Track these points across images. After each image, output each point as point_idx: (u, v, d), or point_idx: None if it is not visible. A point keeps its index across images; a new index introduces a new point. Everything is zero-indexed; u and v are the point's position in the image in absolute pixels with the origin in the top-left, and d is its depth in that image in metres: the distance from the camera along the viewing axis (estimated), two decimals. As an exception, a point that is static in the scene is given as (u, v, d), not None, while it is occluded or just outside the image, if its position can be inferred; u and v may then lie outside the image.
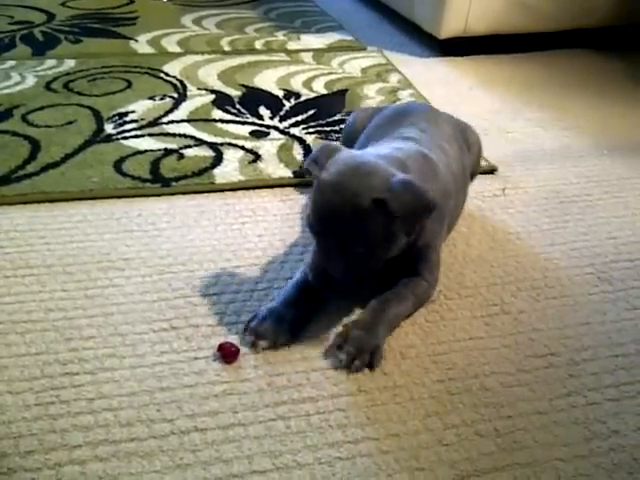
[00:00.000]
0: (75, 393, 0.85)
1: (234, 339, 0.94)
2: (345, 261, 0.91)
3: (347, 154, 0.95)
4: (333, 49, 2.21)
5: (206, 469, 0.75)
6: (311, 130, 1.59)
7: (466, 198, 1.21)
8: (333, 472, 0.75)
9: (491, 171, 1.44)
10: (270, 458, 0.77)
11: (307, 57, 2.11)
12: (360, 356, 0.89)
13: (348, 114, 1.68)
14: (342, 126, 1.60)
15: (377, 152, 0.99)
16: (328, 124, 1.63)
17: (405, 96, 1.81)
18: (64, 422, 0.80)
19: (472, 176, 1.28)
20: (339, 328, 0.95)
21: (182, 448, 0.78)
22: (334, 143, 1.02)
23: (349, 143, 1.26)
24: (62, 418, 0.81)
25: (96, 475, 0.74)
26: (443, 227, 1.06)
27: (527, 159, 1.52)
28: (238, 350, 0.90)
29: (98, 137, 1.51)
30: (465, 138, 1.22)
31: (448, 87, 1.94)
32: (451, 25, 2.10)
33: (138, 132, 1.54)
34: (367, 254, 0.91)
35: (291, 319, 0.94)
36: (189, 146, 1.48)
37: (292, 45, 2.22)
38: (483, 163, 1.44)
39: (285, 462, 0.76)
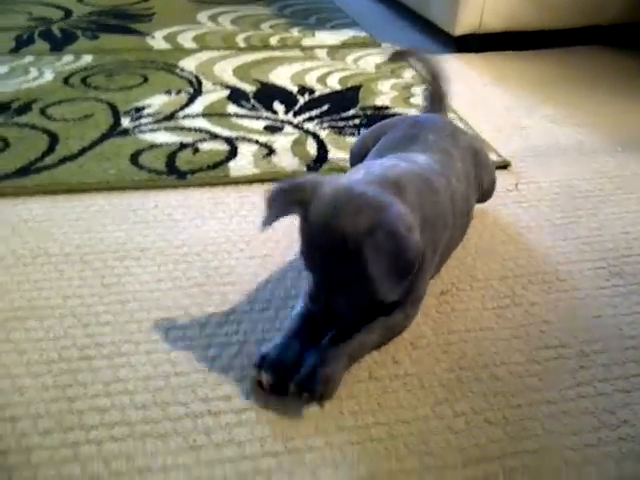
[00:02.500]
0: (92, 376, 0.87)
1: (243, 327, 0.95)
2: (344, 298, 0.86)
3: (330, 188, 0.85)
4: (347, 46, 2.22)
5: (219, 451, 0.77)
6: (325, 125, 1.60)
7: (467, 227, 1.15)
8: (344, 456, 0.77)
9: (504, 166, 1.45)
10: (282, 441, 0.78)
11: (321, 53, 2.12)
12: (311, 388, 0.82)
13: (362, 109, 1.69)
14: (356, 122, 1.62)
15: (369, 175, 0.90)
16: (342, 119, 1.64)
17: (419, 92, 1.82)
18: (81, 404, 0.82)
19: (482, 199, 1.23)
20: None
21: (196, 430, 0.79)
22: (309, 178, 0.90)
23: (360, 153, 1.20)
24: (79, 400, 0.83)
25: (112, 454, 0.76)
26: (434, 257, 0.98)
27: (540, 155, 1.52)
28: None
29: (115, 131, 1.53)
30: (477, 162, 1.15)
31: (462, 83, 1.94)
32: (466, 22, 2.10)
33: (154, 126, 1.56)
34: (363, 292, 0.84)
35: (297, 350, 0.87)
36: (204, 140, 1.50)
37: (307, 41, 2.23)
38: (496, 158, 1.45)
39: (297, 445, 0.78)
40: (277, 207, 0.87)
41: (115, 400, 0.83)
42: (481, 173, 1.16)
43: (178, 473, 0.74)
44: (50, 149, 1.43)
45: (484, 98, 1.84)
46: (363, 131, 1.34)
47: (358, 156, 1.21)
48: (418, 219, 0.88)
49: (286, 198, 0.87)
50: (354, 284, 0.84)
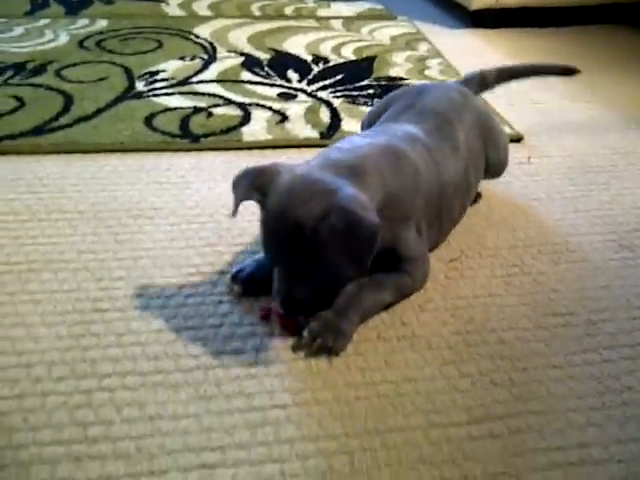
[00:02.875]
0: (105, 328, 0.88)
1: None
2: (306, 286, 0.86)
3: (288, 176, 0.86)
4: (363, 17, 2.21)
5: (228, 401, 0.78)
6: (338, 94, 1.60)
7: (471, 198, 1.14)
8: (351, 410, 0.78)
9: (517, 139, 1.45)
10: (290, 394, 0.80)
11: (337, 24, 2.11)
12: (324, 336, 0.85)
13: (376, 80, 1.69)
14: (370, 91, 1.62)
15: (326, 160, 0.90)
16: (355, 89, 1.64)
17: (433, 64, 1.81)
18: (94, 353, 0.84)
19: (488, 176, 1.19)
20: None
21: (206, 381, 0.81)
22: (269, 165, 0.90)
23: (370, 123, 1.20)
24: (92, 349, 0.85)
25: (124, 402, 0.78)
26: (407, 225, 0.95)
27: (554, 130, 1.52)
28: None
29: (129, 93, 1.54)
30: (485, 135, 1.14)
31: (477, 58, 1.93)
32: (483, -4, 2.09)
33: (168, 90, 1.57)
34: (325, 279, 0.85)
35: (269, 271, 0.92)
36: (218, 105, 1.51)
37: (322, 12, 2.22)
38: (509, 131, 1.45)
39: (305, 399, 0.79)
40: (239, 192, 0.87)
41: (127, 351, 0.85)
42: (488, 145, 1.14)
43: (188, 421, 0.76)
44: (65, 109, 1.44)
45: (499, 73, 1.82)
46: (377, 101, 1.33)
47: (368, 127, 1.20)
48: (379, 198, 0.87)
49: (247, 184, 0.87)
50: (314, 271, 0.84)
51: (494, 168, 1.19)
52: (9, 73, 1.60)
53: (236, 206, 0.88)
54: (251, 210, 1.14)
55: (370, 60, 1.83)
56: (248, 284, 0.95)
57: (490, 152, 1.16)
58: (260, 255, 0.97)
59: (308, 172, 0.86)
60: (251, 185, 0.87)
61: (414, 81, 1.69)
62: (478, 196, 1.21)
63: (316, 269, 0.84)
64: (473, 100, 1.20)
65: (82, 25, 1.97)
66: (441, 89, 1.16)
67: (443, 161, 1.03)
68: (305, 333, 0.86)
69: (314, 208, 0.81)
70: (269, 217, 0.85)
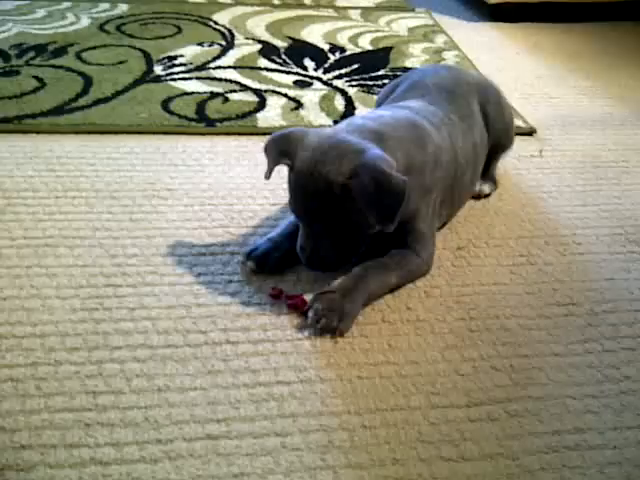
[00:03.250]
0: (117, 302, 0.91)
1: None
2: (331, 243, 0.90)
3: (315, 137, 0.90)
4: (381, 8, 2.21)
5: (235, 376, 0.81)
6: (354, 83, 1.61)
7: (479, 174, 1.17)
8: (353, 388, 0.80)
9: (530, 133, 1.45)
10: (295, 372, 0.82)
11: (355, 14, 2.12)
12: (328, 317, 0.86)
13: (392, 70, 1.70)
14: (385, 81, 1.63)
15: (351, 125, 0.94)
16: (371, 78, 1.65)
17: (450, 57, 1.82)
18: (106, 326, 0.87)
19: (497, 148, 1.20)
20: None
21: (214, 357, 0.83)
22: (295, 129, 0.95)
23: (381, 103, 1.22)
24: (105, 322, 0.87)
25: (134, 373, 0.80)
26: (428, 199, 0.99)
27: (567, 124, 1.52)
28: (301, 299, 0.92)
29: (148, 77, 1.56)
30: (487, 113, 1.15)
31: (494, 51, 1.94)
32: (502, -10, 2.08)
33: (186, 75, 1.59)
34: (350, 235, 0.90)
35: (287, 247, 0.97)
36: (234, 91, 1.53)
37: (340, 2, 2.23)
38: (522, 124, 1.45)
39: (309, 376, 0.81)
40: (271, 158, 0.93)
41: (139, 325, 0.87)
42: (491, 114, 1.16)
43: (195, 393, 0.78)
44: (84, 91, 1.47)
45: (515, 66, 1.83)
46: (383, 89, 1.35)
47: (384, 96, 1.24)
48: (401, 164, 0.91)
49: (276, 149, 0.92)
50: (339, 228, 0.89)
51: (502, 134, 1.19)
52: (31, 54, 1.62)
53: (269, 170, 0.93)
54: (263, 194, 1.17)
55: (387, 51, 1.84)
56: (262, 262, 0.97)
57: (496, 122, 1.16)
58: (273, 234, 1.00)
59: (334, 134, 0.91)
60: (280, 150, 0.91)
61: (429, 72, 1.70)
62: (494, 186, 1.23)
63: (341, 226, 0.88)
64: (468, 73, 1.23)
65: (103, 9, 1.99)
66: (439, 67, 1.25)
67: (458, 135, 1.06)
68: (310, 313, 0.88)
69: (343, 166, 0.86)
70: (298, 176, 0.89)
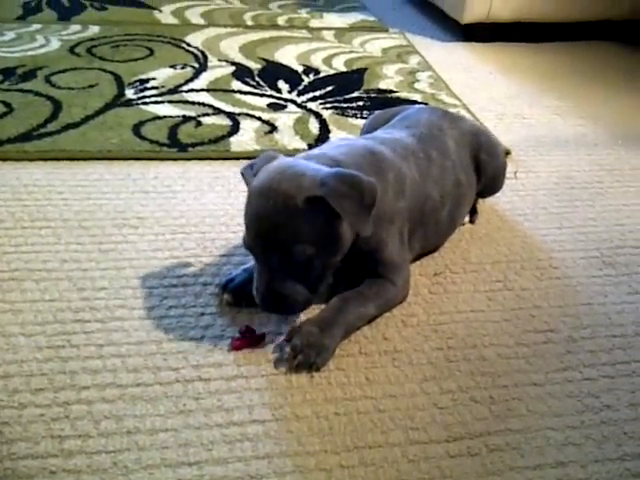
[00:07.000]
0: (85, 339, 0.88)
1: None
2: (290, 276, 0.84)
3: (278, 161, 0.89)
4: (355, 29, 2.21)
5: (207, 416, 0.78)
6: (328, 106, 1.60)
7: (463, 214, 1.15)
8: (330, 426, 0.78)
9: (505, 154, 1.45)
10: (270, 409, 0.80)
11: (329, 35, 2.12)
12: (306, 352, 0.84)
13: (366, 92, 1.70)
14: (359, 104, 1.62)
15: (309, 155, 0.94)
16: (345, 100, 1.64)
17: (423, 78, 1.82)
18: (74, 364, 0.84)
19: (485, 192, 1.21)
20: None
21: (186, 395, 0.81)
22: (274, 153, 0.94)
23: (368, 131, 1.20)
24: (72, 361, 0.84)
25: (102, 415, 0.77)
26: (391, 229, 0.96)
27: (541, 145, 1.52)
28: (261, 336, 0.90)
29: (119, 101, 1.54)
30: (478, 148, 1.14)
31: (468, 71, 1.95)
32: (474, 10, 2.10)
33: (158, 98, 1.56)
34: (311, 264, 0.85)
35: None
36: (207, 114, 1.51)
37: (314, 23, 2.23)
38: (497, 146, 1.45)
39: (284, 414, 0.79)
40: (246, 181, 0.92)
41: (107, 363, 0.84)
42: (483, 160, 1.14)
43: (166, 435, 0.75)
44: (53, 116, 1.44)
45: (488, 86, 1.84)
46: (376, 112, 1.32)
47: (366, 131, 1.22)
48: None
49: (249, 171, 0.92)
50: (299, 255, 0.83)
51: (490, 183, 1.19)
52: (-2, 78, 1.59)
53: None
54: (237, 221, 1.15)
55: (361, 72, 1.83)
56: (239, 294, 0.94)
57: (485, 162, 1.15)
58: (249, 265, 0.97)
59: (292, 159, 0.92)
60: (252, 171, 0.91)
61: (404, 94, 1.70)
62: (474, 214, 1.22)
63: (301, 252, 0.83)
64: (460, 116, 1.22)
65: (74, 31, 1.97)
66: (436, 107, 1.24)
67: (433, 169, 1.04)
68: (287, 349, 0.86)
69: (304, 182, 0.84)
70: (254, 195, 0.86)
